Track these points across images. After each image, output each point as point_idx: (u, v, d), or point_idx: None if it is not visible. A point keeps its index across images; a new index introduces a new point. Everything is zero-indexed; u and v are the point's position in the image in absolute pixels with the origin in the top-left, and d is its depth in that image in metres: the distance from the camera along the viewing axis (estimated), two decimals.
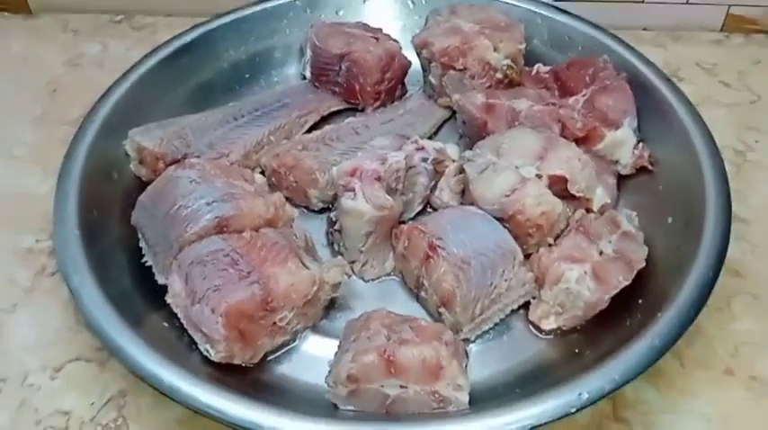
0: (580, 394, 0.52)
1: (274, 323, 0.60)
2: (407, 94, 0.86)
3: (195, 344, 0.60)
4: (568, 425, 0.59)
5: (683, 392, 0.62)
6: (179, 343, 0.61)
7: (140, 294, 0.64)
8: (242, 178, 0.68)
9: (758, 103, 0.87)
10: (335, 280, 0.63)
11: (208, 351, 0.59)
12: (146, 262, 0.66)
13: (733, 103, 0.87)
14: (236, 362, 0.59)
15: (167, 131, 0.74)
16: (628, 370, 0.54)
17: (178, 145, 0.73)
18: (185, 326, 0.61)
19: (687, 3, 0.95)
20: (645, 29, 0.97)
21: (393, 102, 0.84)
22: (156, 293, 0.64)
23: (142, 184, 0.71)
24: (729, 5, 0.95)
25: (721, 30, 0.97)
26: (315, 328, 0.64)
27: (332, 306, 0.66)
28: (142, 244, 0.67)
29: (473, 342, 0.63)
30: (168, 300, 0.62)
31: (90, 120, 0.73)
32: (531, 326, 0.64)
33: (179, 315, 0.62)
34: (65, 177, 0.68)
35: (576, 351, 0.61)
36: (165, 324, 0.62)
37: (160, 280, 0.65)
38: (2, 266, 0.71)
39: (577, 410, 0.52)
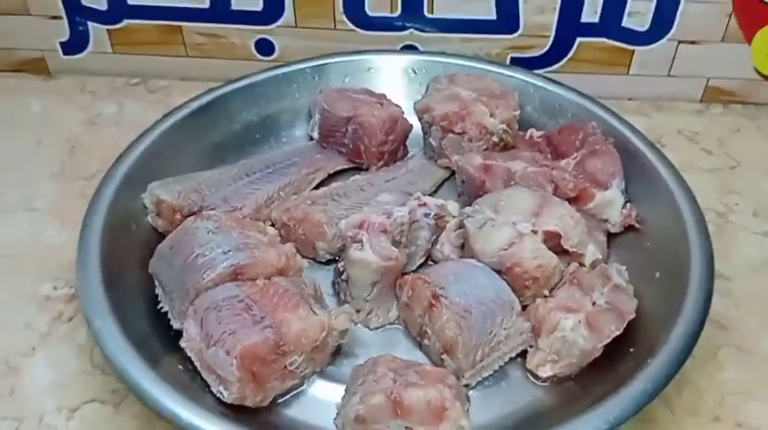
0: None
1: (285, 367, 0.63)
2: (409, 155, 0.91)
3: (207, 386, 0.63)
4: None
5: None
6: (192, 384, 0.63)
7: (157, 338, 0.67)
8: (256, 230, 0.72)
9: (738, 168, 0.93)
10: (343, 326, 0.66)
11: (221, 392, 0.62)
12: (161, 308, 0.70)
13: (714, 168, 0.93)
14: (248, 403, 0.62)
15: (184, 186, 0.78)
16: (622, 412, 0.57)
17: (194, 198, 0.77)
18: (199, 369, 0.64)
19: (669, 75, 1.02)
20: (630, 99, 1.03)
21: (395, 162, 0.89)
22: (171, 338, 0.67)
23: (159, 235, 0.75)
24: (708, 78, 1.02)
25: (701, 100, 1.03)
26: (322, 374, 0.67)
27: (338, 352, 0.69)
28: (158, 291, 0.70)
29: (473, 388, 0.66)
30: (183, 344, 0.65)
31: (110, 175, 0.77)
32: (528, 374, 0.68)
33: (193, 358, 0.64)
34: (87, 229, 0.71)
35: (572, 397, 0.64)
36: (180, 367, 0.65)
37: (175, 325, 0.68)
38: (20, 312, 0.74)
39: None
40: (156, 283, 0.71)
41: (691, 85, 1.03)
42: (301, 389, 0.66)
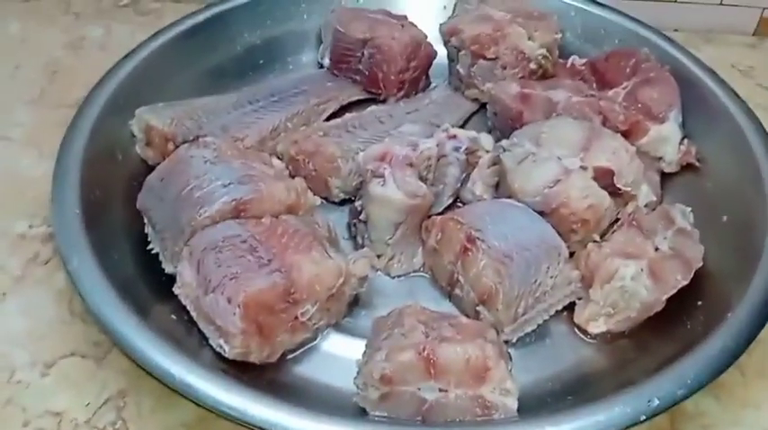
0: (650, 401, 0.46)
1: (296, 317, 0.54)
2: (431, 86, 0.81)
3: (206, 340, 0.54)
4: None
5: (745, 404, 0.56)
6: (188, 338, 0.54)
7: (146, 284, 0.58)
8: (260, 161, 0.62)
9: None
10: (363, 272, 0.57)
11: (221, 346, 0.53)
12: (152, 249, 0.60)
13: None
14: (253, 359, 0.53)
15: (178, 112, 0.68)
16: (701, 372, 0.48)
17: (189, 126, 0.67)
18: (196, 319, 0.55)
19: (720, 4, 0.91)
20: (676, 30, 0.93)
21: (416, 93, 0.79)
22: (162, 284, 0.58)
23: (148, 168, 0.65)
24: (763, 8, 0.91)
25: (754, 33, 0.93)
26: (337, 326, 0.58)
27: (355, 303, 0.60)
28: (148, 229, 0.61)
29: (513, 345, 0.57)
30: (176, 290, 0.56)
31: (93, 97, 0.67)
32: (575, 330, 0.59)
33: (188, 307, 0.55)
34: (65, 157, 0.62)
35: (628, 356, 0.55)
36: (173, 316, 0.56)
37: (168, 268, 0.58)
38: None
39: (647, 418, 0.46)
40: (146, 221, 0.61)
41: (744, 15, 0.93)
42: (314, 343, 0.57)
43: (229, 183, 0.58)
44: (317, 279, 0.54)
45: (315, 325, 0.56)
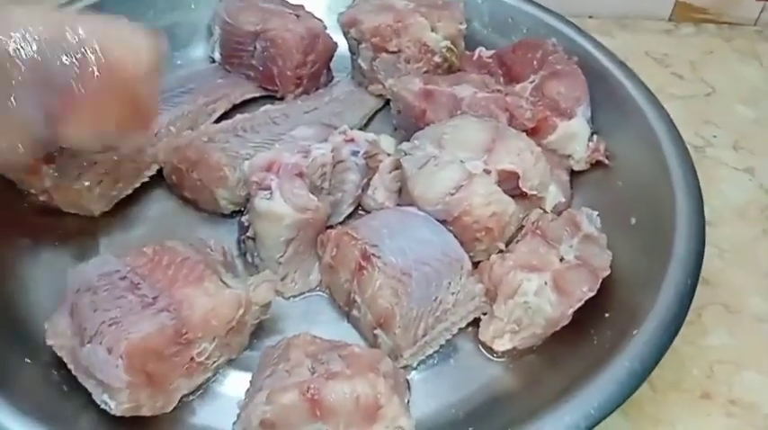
0: None
1: (192, 358, 0.48)
2: (333, 81, 0.75)
3: (89, 397, 0.47)
4: None
5: (656, 421, 0.54)
6: (64, 402, 0.48)
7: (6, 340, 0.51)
8: None
9: (713, 95, 0.82)
10: (265, 299, 0.52)
11: (106, 403, 0.46)
12: None
13: (687, 95, 0.81)
14: (145, 413, 0.47)
15: None
16: (605, 401, 0.45)
17: None
18: (74, 373, 0.48)
19: None
20: (591, 17, 0.90)
21: (317, 89, 0.74)
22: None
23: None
24: None
25: (670, 19, 0.91)
26: (231, 362, 0.53)
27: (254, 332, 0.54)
28: None
29: (415, 369, 0.53)
30: (50, 341, 0.49)
31: None
32: (481, 347, 0.55)
33: (65, 359, 0.49)
34: None
35: (537, 376, 0.52)
36: (54, 371, 0.49)
37: None
38: None
39: None
40: None
41: (659, 0, 0.89)
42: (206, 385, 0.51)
43: None
44: (212, 313, 0.48)
45: (214, 363, 0.51)
